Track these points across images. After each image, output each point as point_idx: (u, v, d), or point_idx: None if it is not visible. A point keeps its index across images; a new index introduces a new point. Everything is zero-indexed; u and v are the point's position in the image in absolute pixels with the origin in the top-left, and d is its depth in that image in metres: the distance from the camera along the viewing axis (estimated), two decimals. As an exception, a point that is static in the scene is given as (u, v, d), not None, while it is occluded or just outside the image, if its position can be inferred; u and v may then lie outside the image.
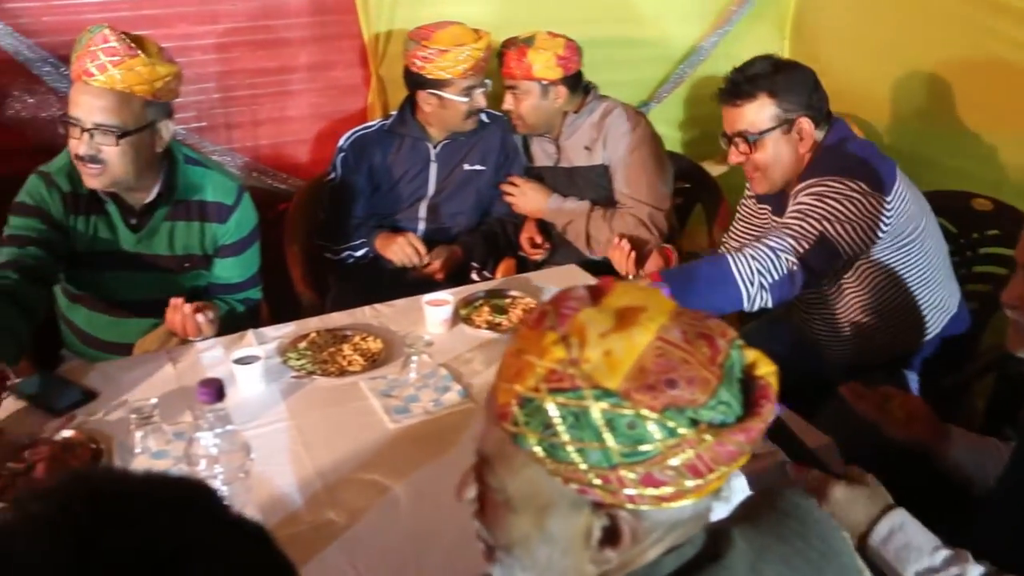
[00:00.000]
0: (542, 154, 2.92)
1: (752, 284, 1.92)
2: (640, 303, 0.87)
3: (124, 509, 0.67)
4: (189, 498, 0.72)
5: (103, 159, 1.96)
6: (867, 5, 3.24)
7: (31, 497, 0.68)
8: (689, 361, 0.82)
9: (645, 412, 0.80)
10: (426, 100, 2.64)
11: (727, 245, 2.48)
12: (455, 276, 2.65)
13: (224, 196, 2.21)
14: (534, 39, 2.70)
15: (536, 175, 2.91)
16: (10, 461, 1.60)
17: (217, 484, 1.33)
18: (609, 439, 0.81)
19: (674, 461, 0.81)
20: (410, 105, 2.75)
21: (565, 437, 0.82)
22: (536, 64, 2.68)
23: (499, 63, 2.79)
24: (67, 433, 1.71)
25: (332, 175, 2.78)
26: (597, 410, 0.81)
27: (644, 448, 0.81)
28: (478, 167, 2.74)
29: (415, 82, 2.65)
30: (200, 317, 1.99)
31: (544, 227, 2.87)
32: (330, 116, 3.14)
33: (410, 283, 2.62)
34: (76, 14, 2.67)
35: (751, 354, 0.89)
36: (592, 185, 2.82)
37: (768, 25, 3.53)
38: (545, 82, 2.71)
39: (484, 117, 2.77)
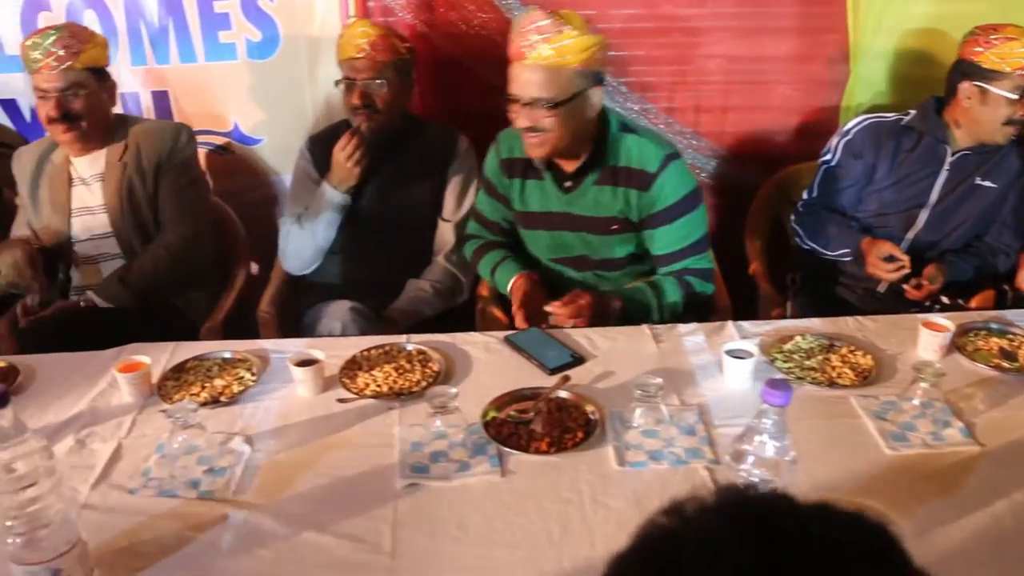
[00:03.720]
0: None
1: None
2: None
3: (797, 550, 0.61)
4: (877, 549, 0.64)
5: (542, 128, 2.09)
6: None
7: (697, 508, 0.66)
8: None
9: None
10: (968, 92, 2.37)
11: None
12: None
13: (647, 163, 2.20)
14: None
15: None
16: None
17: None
18: None
19: None
20: (936, 103, 2.51)
21: None
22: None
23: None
24: (563, 393, 1.75)
25: (827, 156, 2.62)
26: None
27: None
28: (988, 184, 2.46)
29: (963, 71, 2.39)
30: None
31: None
32: (800, 111, 3.02)
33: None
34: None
35: None
36: None
37: None
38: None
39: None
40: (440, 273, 2.55)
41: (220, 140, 3.07)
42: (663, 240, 2.25)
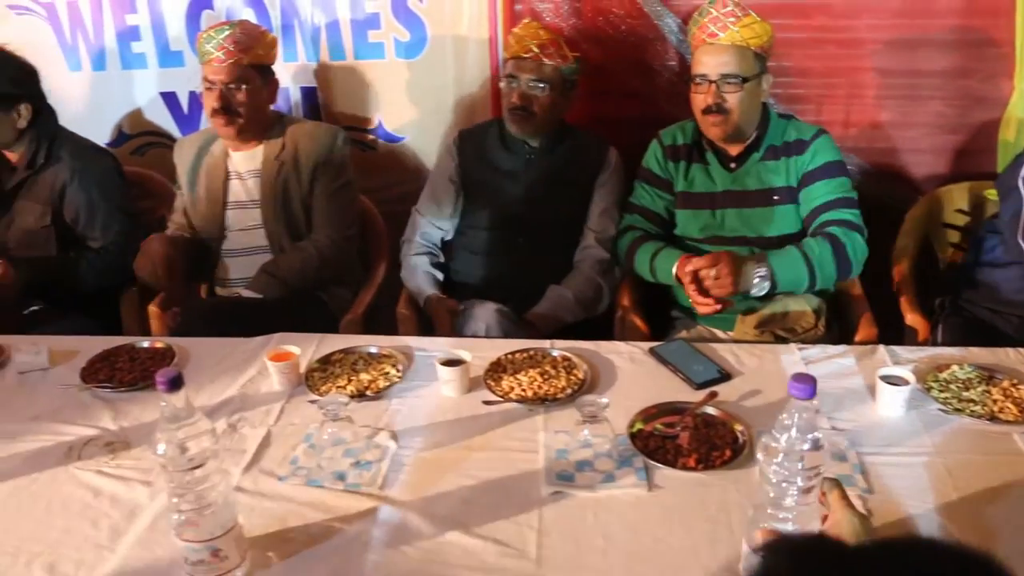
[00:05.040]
0: None
1: None
2: None
3: None
4: None
5: (727, 108, 2.28)
6: None
7: (784, 552, 0.65)
8: None
9: None
10: None
11: None
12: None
13: (803, 134, 2.39)
14: None
15: None
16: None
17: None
18: None
19: None
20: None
21: None
22: None
23: None
24: (711, 410, 1.72)
25: None
26: None
27: None
28: None
29: None
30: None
31: None
32: (955, 128, 2.88)
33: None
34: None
35: None
36: None
37: None
38: None
39: None
40: (583, 281, 2.54)
41: (365, 137, 3.13)
42: (813, 194, 2.34)
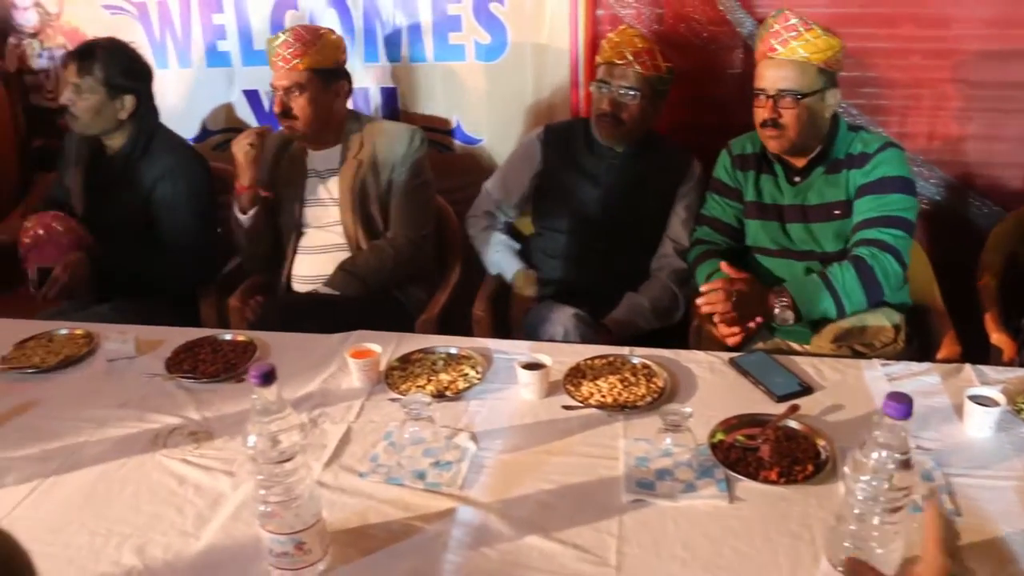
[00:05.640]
0: None
1: None
2: None
3: None
4: None
5: (781, 123, 2.24)
6: None
7: None
8: None
9: None
10: None
11: None
12: None
13: (867, 147, 2.30)
14: None
15: None
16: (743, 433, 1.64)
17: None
18: None
19: None
20: None
21: None
22: None
23: None
24: (792, 423, 1.70)
25: None
26: None
27: None
28: None
29: None
30: None
31: None
32: (1047, 142, 2.81)
33: None
34: (810, 7, 2.69)
35: None
36: None
37: None
38: None
39: None
40: (659, 290, 2.53)
41: (442, 138, 3.16)
42: (859, 209, 2.26)
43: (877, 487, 1.19)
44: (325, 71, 2.62)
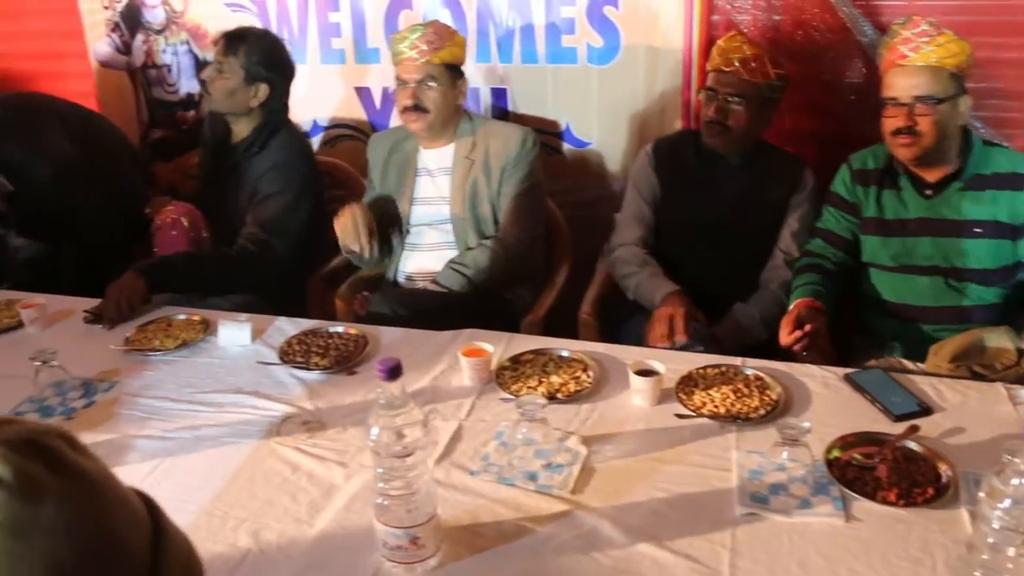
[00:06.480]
0: None
1: None
2: None
3: None
4: None
5: (918, 131, 2.19)
6: None
7: None
8: None
9: None
10: None
11: None
12: None
13: (1019, 166, 2.25)
14: None
15: None
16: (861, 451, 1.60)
17: None
18: None
19: None
20: None
21: None
22: None
23: None
24: (912, 444, 1.65)
25: None
26: None
27: None
28: None
29: None
30: None
31: None
32: None
33: None
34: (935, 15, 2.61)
35: None
36: None
37: None
38: None
39: None
40: (770, 302, 2.49)
41: (552, 140, 3.17)
42: None
43: (1018, 516, 1.15)
44: (455, 67, 2.68)
